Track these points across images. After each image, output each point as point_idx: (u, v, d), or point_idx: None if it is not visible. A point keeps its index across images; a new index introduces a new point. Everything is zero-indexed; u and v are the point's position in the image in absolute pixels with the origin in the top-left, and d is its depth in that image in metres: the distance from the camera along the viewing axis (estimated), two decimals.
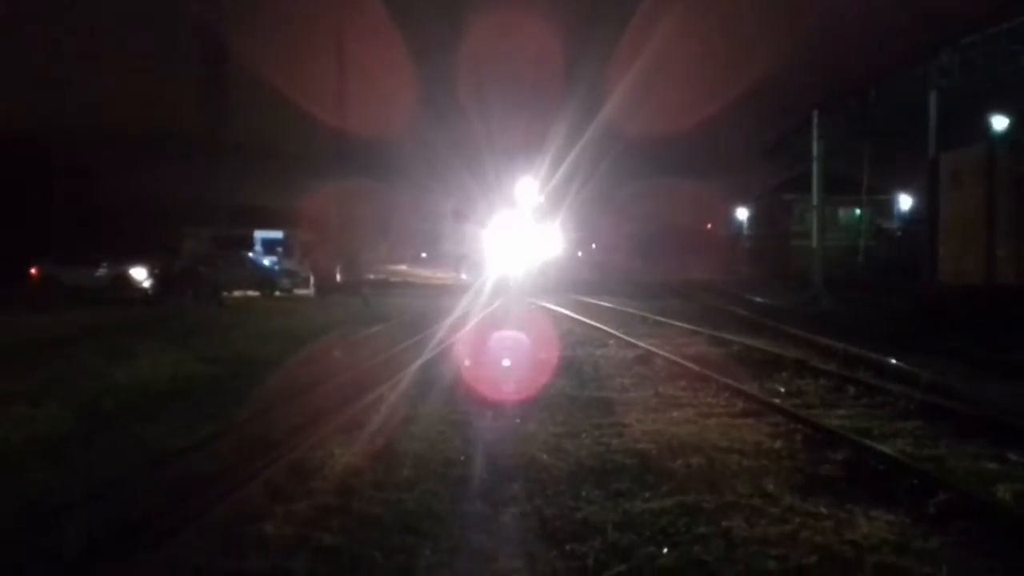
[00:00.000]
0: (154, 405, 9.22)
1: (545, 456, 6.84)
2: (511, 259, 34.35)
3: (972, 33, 20.93)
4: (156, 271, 28.73)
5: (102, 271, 28.79)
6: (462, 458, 6.80)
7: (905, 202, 46.79)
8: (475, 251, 39.86)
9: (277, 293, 29.61)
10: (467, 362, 12.26)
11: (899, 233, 43.51)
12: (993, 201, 17.15)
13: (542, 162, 37.15)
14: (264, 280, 30.07)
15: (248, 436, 7.52)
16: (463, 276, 43.98)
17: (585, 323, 18.30)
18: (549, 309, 22.42)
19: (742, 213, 57.18)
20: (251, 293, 29.50)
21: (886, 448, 6.75)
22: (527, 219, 37.38)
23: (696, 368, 11.15)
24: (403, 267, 64.82)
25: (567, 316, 20.21)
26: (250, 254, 33.63)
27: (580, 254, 38.34)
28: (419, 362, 11.92)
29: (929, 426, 7.82)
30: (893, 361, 11.32)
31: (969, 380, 10.06)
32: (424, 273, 55.35)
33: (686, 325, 17.39)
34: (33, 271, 28.58)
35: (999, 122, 24.84)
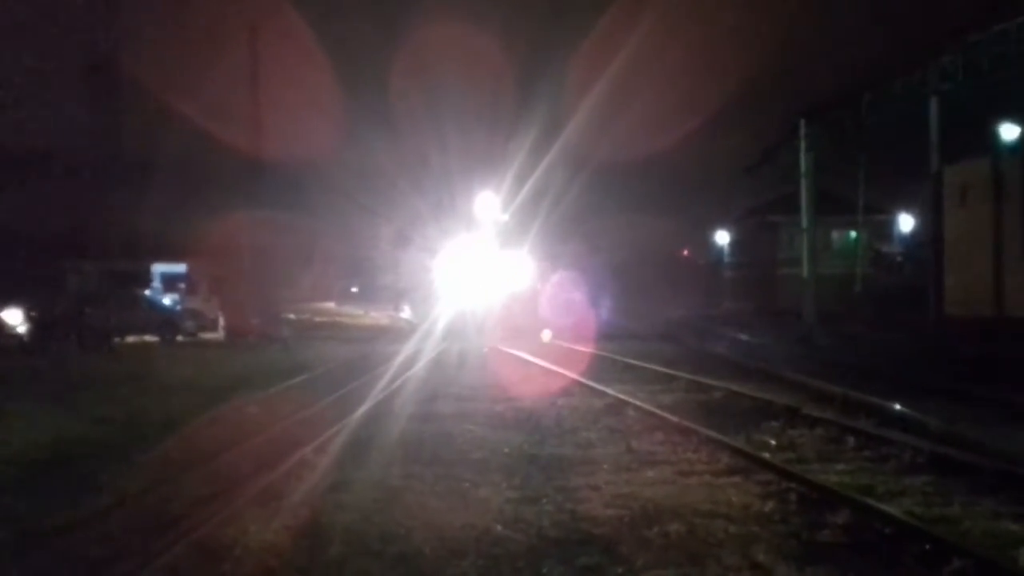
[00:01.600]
0: (32, 475, 9.00)
1: (500, 527, 6.80)
2: (467, 293, 32.33)
3: (977, 31, 21.55)
4: (33, 314, 28.10)
5: None
6: (402, 531, 6.71)
7: (906, 223, 47.78)
8: (422, 284, 37.55)
9: (180, 338, 29.17)
10: (407, 415, 12.18)
11: (900, 258, 44.50)
12: (1003, 222, 17.61)
13: (504, 178, 36.01)
14: (164, 323, 29.60)
15: (145, 510, 7.36)
16: (405, 315, 42.98)
17: (542, 367, 18.36)
18: (507, 352, 22.47)
19: (722, 237, 57.94)
20: (148, 338, 29.02)
21: (892, 509, 6.83)
22: (488, 243, 35.17)
23: (674, 419, 11.21)
24: (330, 304, 64.39)
25: (526, 360, 20.27)
26: (147, 292, 33.12)
27: (547, 287, 36.06)
28: (351, 417, 11.80)
29: (940, 481, 7.94)
30: (898, 407, 11.51)
31: (983, 427, 10.26)
32: (356, 312, 55.05)
33: (662, 368, 17.52)
34: None
35: (1008, 131, 25.62)
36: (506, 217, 36.09)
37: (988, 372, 14.95)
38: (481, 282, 32.85)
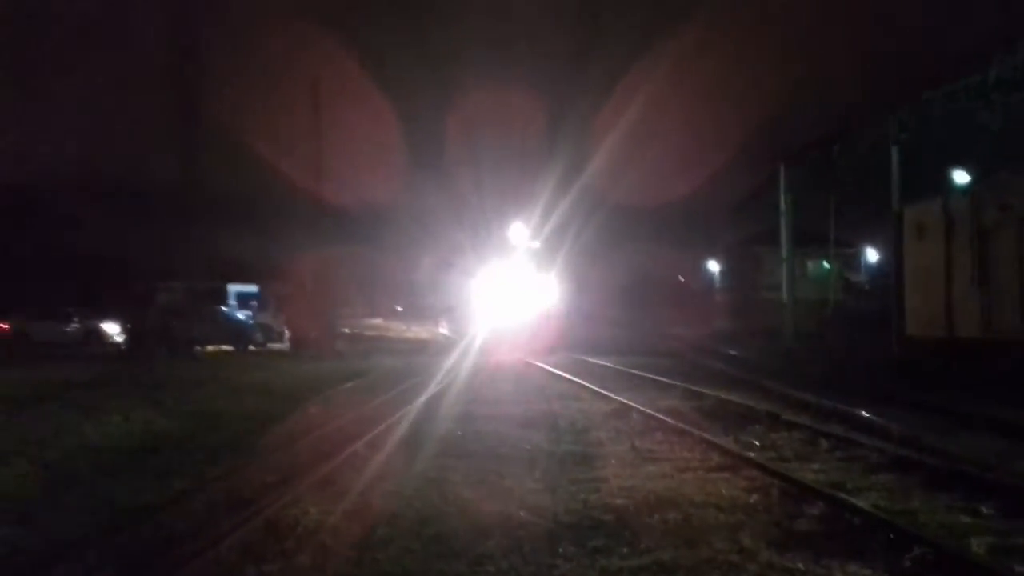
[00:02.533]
0: (125, 462, 9.06)
1: (522, 512, 6.77)
2: (502, 311, 31.64)
3: (930, 90, 21.50)
4: (128, 325, 28.40)
5: (74, 326, 28.50)
6: (438, 515, 6.70)
7: (872, 255, 47.48)
8: (461, 303, 36.72)
9: (251, 348, 29.34)
10: (443, 416, 12.17)
11: (867, 286, 44.02)
12: (954, 254, 17.43)
13: (533, 212, 35.25)
14: (238, 335, 29.79)
15: (220, 494, 7.39)
16: (444, 331, 42.78)
17: (560, 376, 18.31)
18: (533, 364, 22.43)
19: (713, 266, 57.79)
20: (225, 347, 29.20)
21: (860, 502, 6.74)
22: (521, 266, 34.21)
23: (671, 422, 11.15)
24: (379, 321, 64.49)
25: (547, 370, 20.24)
26: (224, 308, 33.37)
27: (570, 307, 35.28)
28: (395, 417, 11.82)
29: (901, 479, 7.84)
30: (865, 414, 11.38)
31: (939, 433, 10.12)
32: (400, 327, 55.10)
33: (661, 378, 17.44)
34: (3, 326, 28.18)
35: (960, 176, 25.43)
36: (537, 244, 35.31)
37: (942, 385, 14.77)
38: (513, 302, 32.20)
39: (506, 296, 32.28)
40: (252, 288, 35.77)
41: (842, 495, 6.98)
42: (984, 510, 6.70)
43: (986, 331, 16.23)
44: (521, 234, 35.37)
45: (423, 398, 14.25)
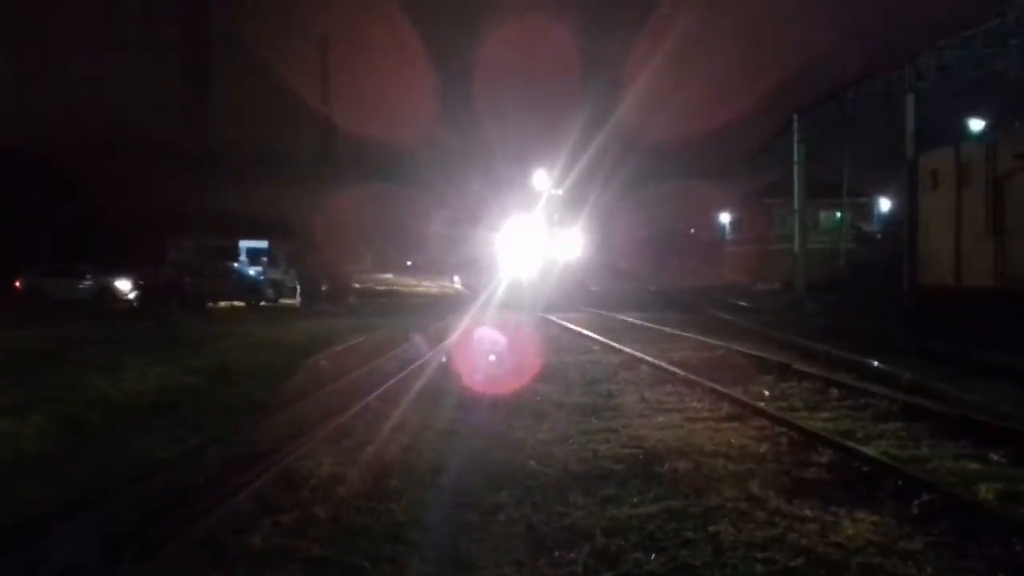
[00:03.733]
0: (141, 417, 9.15)
1: (533, 463, 6.84)
2: (522, 265, 29.74)
3: (947, 36, 21.12)
4: (141, 282, 28.55)
5: (87, 283, 28.66)
6: (450, 466, 6.78)
7: (885, 205, 47.14)
8: (477, 257, 34.33)
9: (263, 303, 29.49)
10: (453, 370, 12.23)
11: (879, 235, 43.79)
12: (968, 202, 17.29)
13: (557, 159, 32.73)
14: (250, 290, 29.93)
15: (236, 447, 7.49)
16: (458, 286, 40.85)
17: (575, 331, 18.37)
18: (545, 318, 22.35)
19: (724, 218, 57.47)
20: (237, 303, 29.36)
21: (870, 450, 6.79)
22: (543, 218, 31.91)
23: (681, 373, 11.19)
24: (389, 276, 64.68)
25: (559, 324, 20.30)
26: (235, 264, 33.48)
27: (593, 260, 33.13)
28: (407, 371, 11.89)
29: (911, 427, 7.88)
30: (875, 363, 11.39)
31: (949, 381, 10.14)
32: (410, 282, 55.25)
33: (671, 330, 17.47)
34: (17, 283, 28.37)
35: (975, 124, 25.11)
36: (560, 192, 32.91)
37: (953, 333, 14.75)
38: (532, 255, 30.49)
39: (527, 249, 30.69)
40: (263, 244, 35.84)
41: (851, 443, 7.03)
42: (993, 457, 6.74)
43: (999, 279, 16.16)
44: (544, 182, 33.11)
45: (431, 351, 14.31)
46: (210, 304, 28.35)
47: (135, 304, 28.09)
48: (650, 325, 18.97)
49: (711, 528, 5.17)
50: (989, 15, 19.95)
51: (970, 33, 20.46)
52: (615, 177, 35.91)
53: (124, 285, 29.17)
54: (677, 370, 11.45)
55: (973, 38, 20.44)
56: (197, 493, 6.03)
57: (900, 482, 5.93)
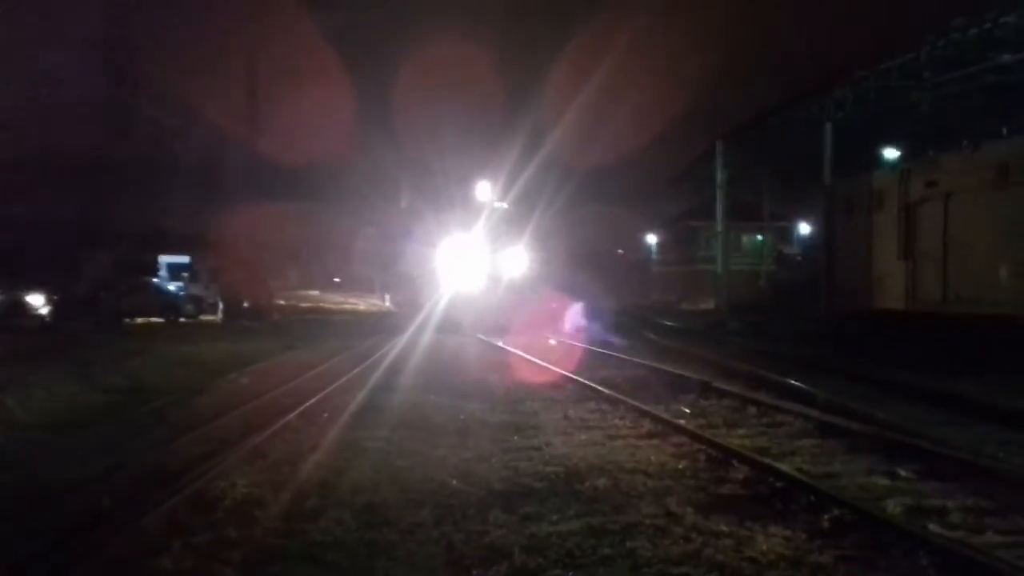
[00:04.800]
0: (50, 438, 8.84)
1: (454, 481, 6.81)
2: (464, 281, 27.24)
3: (864, 68, 21.98)
4: (54, 297, 27.56)
5: None
6: (370, 485, 6.69)
7: (805, 228, 48.57)
8: (410, 273, 31.26)
9: (182, 320, 28.77)
10: (377, 387, 12.11)
11: (799, 258, 45.08)
12: (881, 228, 17.94)
13: (499, 173, 30.56)
14: (168, 306, 29.17)
15: (147, 467, 7.26)
16: (389, 304, 39.10)
17: (501, 348, 18.38)
18: (474, 336, 22.28)
19: (651, 239, 58.56)
20: (155, 320, 28.58)
21: (784, 466, 6.94)
22: (486, 231, 29.18)
23: (605, 391, 11.29)
24: (315, 292, 63.73)
25: (484, 341, 20.29)
26: (154, 279, 32.61)
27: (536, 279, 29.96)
28: (329, 388, 11.73)
29: (824, 444, 8.09)
30: (792, 382, 11.68)
31: (863, 399, 10.45)
32: (337, 299, 54.55)
33: (597, 349, 17.64)
34: None
35: (890, 153, 26.15)
36: (504, 205, 30.36)
37: (867, 353, 15.24)
38: (473, 272, 27.95)
39: (466, 266, 28.00)
40: (184, 259, 35.04)
41: (767, 460, 7.18)
42: (902, 473, 6.96)
43: (910, 302, 16.77)
44: (487, 194, 30.49)
45: (357, 369, 14.17)
46: (127, 320, 27.53)
47: (47, 319, 27.06)
48: (577, 344, 19.11)
49: (629, 544, 5.21)
50: (903, 49, 20.85)
51: (886, 66, 21.34)
52: (559, 195, 34.67)
53: (36, 299, 28.09)
54: (601, 388, 11.55)
55: (888, 71, 21.33)
56: (107, 515, 5.84)
57: (812, 497, 6.08)
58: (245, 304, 30.27)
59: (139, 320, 28.15)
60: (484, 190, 30.22)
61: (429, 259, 29.23)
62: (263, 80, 31.49)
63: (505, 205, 30.23)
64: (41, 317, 27.28)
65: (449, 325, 23.65)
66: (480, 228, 29.17)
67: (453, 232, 28.65)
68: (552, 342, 20.44)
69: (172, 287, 32.53)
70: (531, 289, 28.71)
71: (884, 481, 6.74)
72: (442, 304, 25.80)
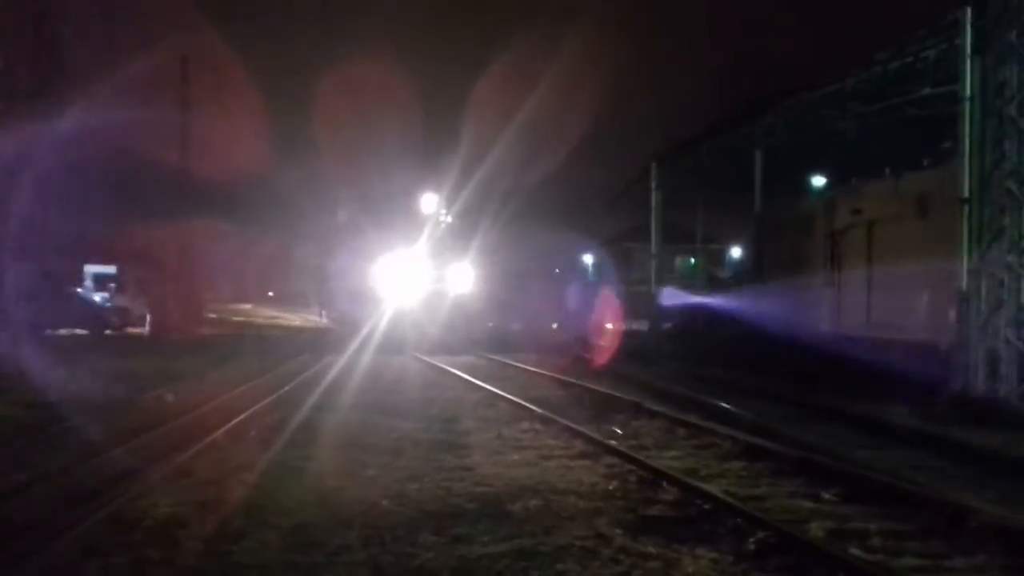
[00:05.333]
0: None
1: (385, 502, 6.73)
2: (405, 297, 25.55)
3: (791, 97, 22.56)
4: None
5: None
6: (298, 506, 6.57)
7: (736, 252, 49.57)
8: (356, 288, 28.50)
9: (108, 332, 27.95)
10: (308, 404, 11.91)
11: (731, 281, 45.93)
12: (809, 253, 18.42)
13: (443, 186, 28.80)
14: (93, 318, 28.33)
15: (65, 486, 7.01)
16: (325, 320, 37.30)
17: (436, 366, 18.30)
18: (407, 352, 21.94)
19: (588, 259, 59.14)
20: (79, 331, 27.71)
21: (712, 488, 7.03)
22: (431, 244, 27.52)
23: (538, 411, 11.31)
24: (248, 306, 62.67)
25: (423, 360, 20.15)
26: (79, 290, 31.65)
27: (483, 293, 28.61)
28: (259, 405, 11.50)
29: (751, 466, 8.22)
30: (722, 404, 11.87)
31: (789, 423, 10.67)
32: (271, 313, 53.71)
33: (532, 368, 17.67)
34: None
35: (817, 180, 26.88)
36: (449, 219, 28.91)
37: (795, 377, 15.55)
38: (416, 287, 26.23)
39: (409, 281, 26.36)
40: (110, 269, 34.11)
41: (695, 481, 7.26)
42: (826, 496, 7.10)
43: (836, 325, 17.22)
44: (432, 206, 28.89)
45: (287, 387, 13.94)
46: (48, 332, 26.61)
47: None
48: (513, 363, 19.13)
49: (558, 566, 5.21)
50: (830, 79, 21.47)
51: (813, 96, 21.95)
52: (502, 211, 33.48)
53: None
54: (534, 408, 11.56)
55: (816, 100, 21.94)
56: (20, 534, 5.62)
57: (739, 519, 6.17)
58: (174, 316, 29.54)
59: (62, 332, 27.26)
60: (429, 202, 28.66)
61: (369, 274, 27.38)
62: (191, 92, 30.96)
63: (450, 218, 28.78)
64: None
65: (391, 344, 22.36)
66: (424, 241, 27.47)
67: (395, 246, 26.85)
68: (488, 360, 20.42)
69: (98, 298, 31.60)
70: (476, 307, 27.61)
71: (808, 504, 6.87)
72: (383, 321, 24.30)
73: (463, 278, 27.41)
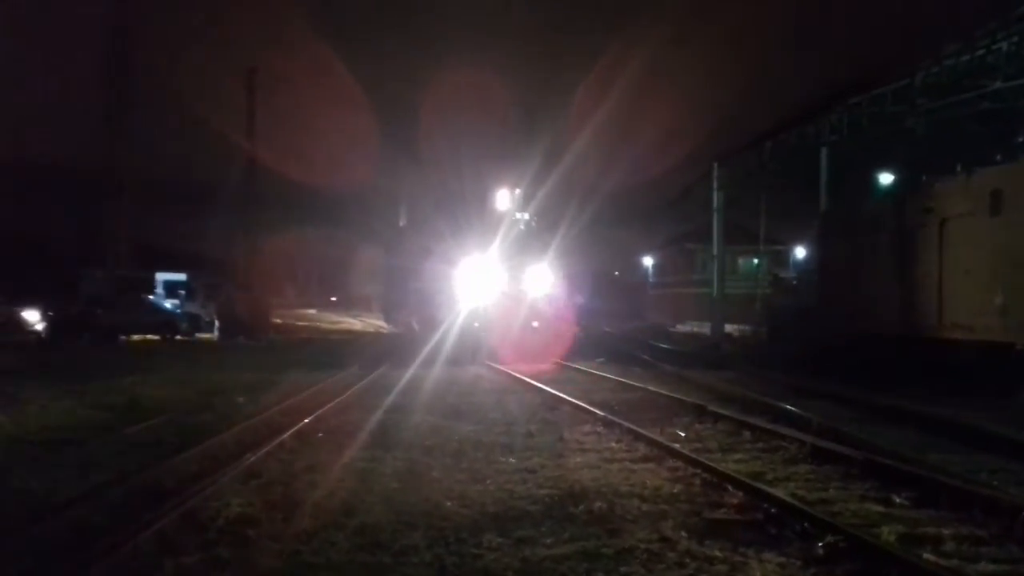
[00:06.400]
0: (42, 454, 8.79)
1: (448, 503, 6.78)
2: (479, 301, 23.60)
3: (858, 94, 22.12)
4: (50, 313, 27.52)
5: None
6: (363, 506, 6.66)
7: (800, 252, 48.63)
8: (428, 292, 26.71)
9: (178, 337, 28.72)
10: (371, 407, 12.06)
11: (795, 281, 45.09)
12: (877, 252, 18.00)
13: (520, 185, 26.75)
14: (164, 324, 29.11)
15: (140, 486, 7.23)
16: (382, 323, 37.07)
17: (498, 368, 18.35)
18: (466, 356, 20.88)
19: (647, 261, 58.69)
20: (151, 337, 28.53)
21: (779, 492, 6.92)
22: (506, 245, 25.25)
23: (601, 414, 11.26)
24: (312, 311, 63.71)
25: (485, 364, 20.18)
26: (150, 297, 32.59)
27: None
28: (325, 408, 11.69)
29: (819, 470, 8.07)
30: (787, 407, 11.67)
31: (856, 424, 10.46)
32: (333, 318, 54.52)
33: (593, 371, 17.61)
34: None
35: (885, 178, 26.28)
36: (526, 216, 26.69)
37: (862, 378, 15.22)
38: (489, 290, 24.22)
39: (482, 284, 24.30)
40: (181, 277, 35.04)
41: (761, 485, 7.15)
42: (896, 500, 6.94)
43: (905, 327, 16.79)
44: (507, 203, 26.79)
45: (350, 389, 14.12)
46: (123, 337, 27.48)
47: (43, 335, 27.01)
48: (572, 366, 19.08)
49: (623, 569, 5.19)
50: (898, 74, 20.99)
51: (880, 91, 21.49)
52: (580, 214, 31.52)
53: (31, 316, 28.07)
54: (597, 411, 11.52)
55: (883, 96, 21.47)
56: (98, 533, 5.81)
57: (806, 524, 6.06)
58: (242, 322, 30.21)
59: (135, 337, 28.10)
60: (504, 199, 26.62)
61: (440, 276, 25.58)
62: (270, 98, 31.61)
63: (526, 216, 26.50)
64: (36, 333, 27.25)
65: (462, 352, 20.90)
66: (499, 242, 25.24)
67: (468, 248, 24.93)
68: (552, 364, 20.15)
69: (168, 304, 32.49)
70: (553, 310, 24.79)
71: (878, 508, 6.72)
72: (455, 326, 22.81)
73: (541, 281, 25.16)
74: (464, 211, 25.82)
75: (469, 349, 21.26)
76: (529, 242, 25.68)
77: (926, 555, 5.46)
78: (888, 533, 5.95)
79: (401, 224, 35.52)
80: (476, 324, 22.72)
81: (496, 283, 24.14)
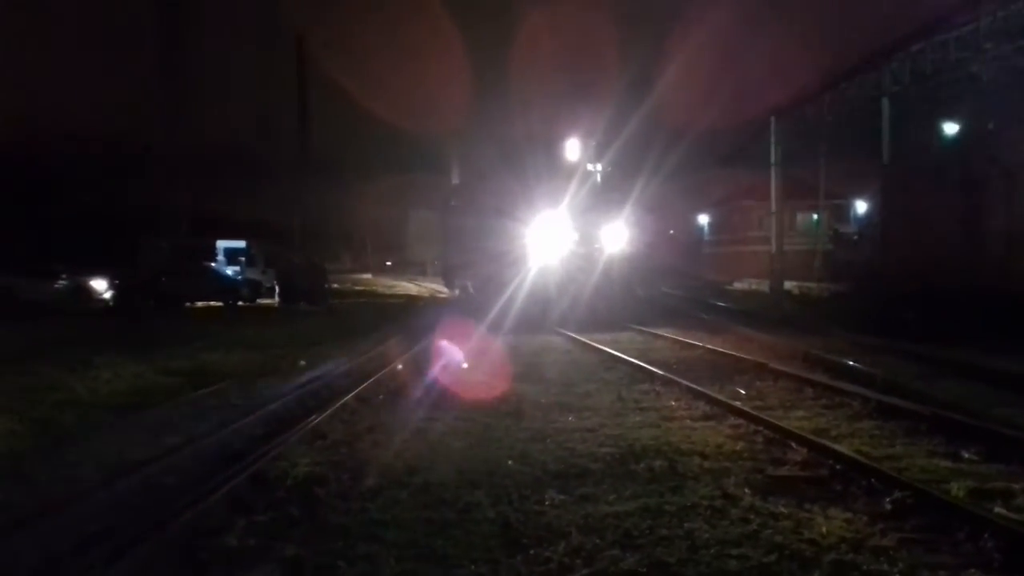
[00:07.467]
0: (114, 418, 9.07)
1: (510, 462, 6.84)
2: (548, 261, 21.72)
3: (920, 40, 21.32)
4: (116, 282, 28.26)
5: (61, 283, 28.26)
6: (426, 465, 6.76)
7: (861, 206, 47.45)
8: (493, 251, 23.67)
9: (240, 303, 29.30)
10: (428, 371, 12.17)
11: (856, 237, 44.08)
12: (943, 206, 17.49)
13: (593, 133, 24.43)
14: (227, 290, 29.70)
15: (211, 447, 7.44)
16: (446, 289, 33.41)
17: (552, 328, 18.36)
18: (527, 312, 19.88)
19: (703, 219, 57.92)
20: (214, 303, 29.16)
21: (843, 448, 6.84)
22: (577, 201, 22.94)
23: (660, 372, 11.21)
24: (368, 276, 64.38)
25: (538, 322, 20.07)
26: (212, 264, 33.23)
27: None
28: (383, 372, 11.85)
29: (884, 426, 7.95)
30: (850, 362, 11.49)
31: (923, 380, 10.25)
32: (389, 283, 55.03)
33: (650, 330, 17.50)
34: None
35: (949, 128, 25.40)
36: (599, 168, 24.35)
37: (926, 333, 14.87)
38: (559, 250, 22.21)
39: (552, 243, 22.31)
40: (240, 244, 35.63)
41: (825, 441, 7.07)
42: (965, 455, 6.81)
43: (972, 279, 16.33)
44: (578, 153, 24.35)
45: (408, 352, 14.26)
46: (187, 304, 28.14)
47: (110, 303, 27.78)
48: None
49: (686, 525, 5.19)
50: (962, 20, 20.16)
51: (943, 38, 20.68)
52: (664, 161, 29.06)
53: (99, 284, 28.82)
54: (655, 369, 11.47)
55: (946, 42, 20.67)
56: (170, 494, 6.00)
57: (873, 480, 5.98)
58: (301, 288, 30.63)
59: (199, 304, 28.75)
60: (574, 148, 24.24)
61: (507, 236, 23.25)
62: (359, 54, 31.54)
63: (600, 167, 24.27)
64: (104, 301, 28.01)
65: (529, 318, 19.54)
66: (570, 197, 23.00)
67: (535, 202, 22.75)
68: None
69: (230, 271, 33.10)
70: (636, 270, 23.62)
71: (946, 463, 6.60)
72: (521, 290, 21.06)
73: (617, 239, 23.22)
74: (530, 162, 23.25)
75: (537, 314, 20.18)
76: (603, 196, 23.79)
77: (997, 509, 5.37)
78: (957, 489, 5.85)
79: (454, 182, 35.04)
80: (544, 287, 21.20)
81: (566, 242, 22.34)
